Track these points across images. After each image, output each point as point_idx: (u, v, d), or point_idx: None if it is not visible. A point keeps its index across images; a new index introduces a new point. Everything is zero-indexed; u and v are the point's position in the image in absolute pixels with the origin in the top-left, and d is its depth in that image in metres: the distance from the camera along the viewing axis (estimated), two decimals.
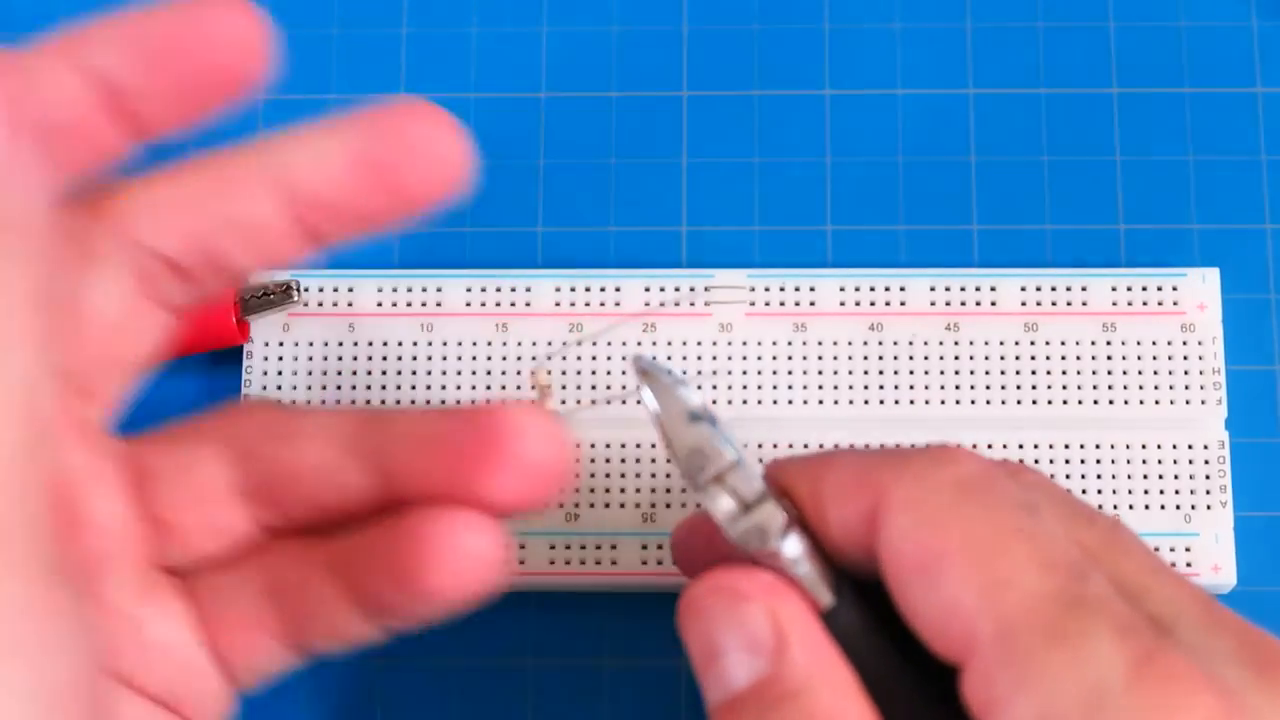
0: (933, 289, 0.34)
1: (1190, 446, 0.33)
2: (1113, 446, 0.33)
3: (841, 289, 0.34)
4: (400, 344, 0.34)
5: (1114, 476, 0.33)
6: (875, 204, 0.36)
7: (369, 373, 0.34)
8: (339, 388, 0.34)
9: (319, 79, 0.37)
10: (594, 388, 0.34)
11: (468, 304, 0.34)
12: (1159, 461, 0.33)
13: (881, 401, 0.33)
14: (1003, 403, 0.33)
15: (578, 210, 0.36)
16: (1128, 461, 0.33)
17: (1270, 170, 0.35)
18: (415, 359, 0.34)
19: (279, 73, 0.37)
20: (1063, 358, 0.33)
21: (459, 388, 0.34)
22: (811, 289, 0.34)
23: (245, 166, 0.24)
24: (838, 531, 0.25)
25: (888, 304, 0.34)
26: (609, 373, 0.34)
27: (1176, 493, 0.33)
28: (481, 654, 0.34)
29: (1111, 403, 0.33)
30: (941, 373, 0.33)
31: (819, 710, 0.24)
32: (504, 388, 0.34)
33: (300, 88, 0.37)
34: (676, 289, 0.34)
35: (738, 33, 0.37)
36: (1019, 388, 0.33)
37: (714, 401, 0.33)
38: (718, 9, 0.37)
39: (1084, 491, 0.33)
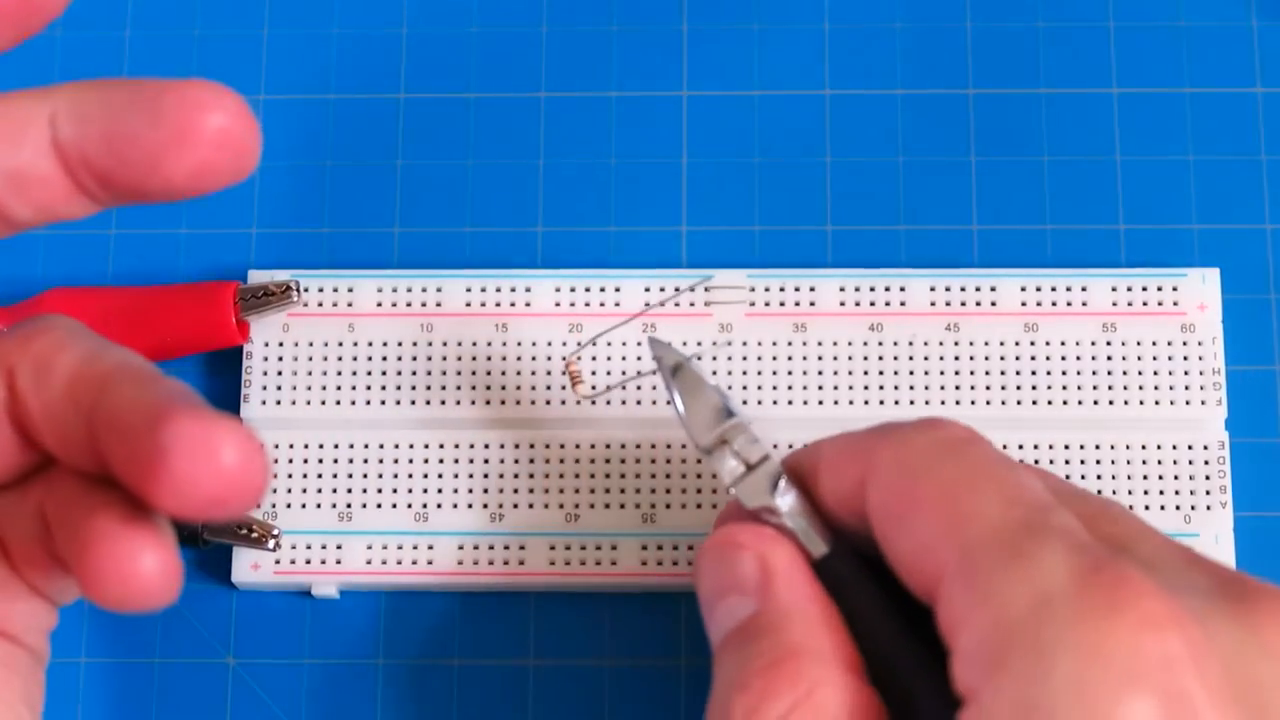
0: (933, 289, 0.34)
1: (1190, 447, 0.33)
2: (1113, 447, 0.33)
3: (841, 289, 0.34)
4: (400, 344, 0.34)
5: (1114, 477, 0.33)
6: (875, 204, 0.35)
7: (369, 373, 0.34)
8: (339, 388, 0.34)
9: (319, 79, 0.37)
10: (593, 386, 0.34)
11: (467, 304, 0.34)
12: (1159, 462, 0.33)
13: (881, 402, 0.33)
14: (1003, 403, 0.33)
15: (578, 210, 0.36)
16: (1128, 462, 0.33)
17: (1270, 170, 0.35)
18: (415, 359, 0.34)
19: (278, 72, 0.37)
20: (1063, 358, 0.33)
21: (459, 388, 0.34)
22: (811, 289, 0.34)
23: (23, 117, 0.23)
24: (833, 499, 0.27)
25: (888, 304, 0.34)
26: (609, 372, 0.34)
27: (1176, 493, 0.33)
28: (482, 654, 0.33)
29: (1112, 403, 0.33)
30: (941, 373, 0.33)
31: (790, 640, 0.25)
32: (504, 388, 0.33)
33: (300, 88, 0.37)
34: (677, 289, 0.34)
35: (736, 32, 0.36)
36: (1019, 388, 0.33)
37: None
38: (715, 9, 0.37)
39: None
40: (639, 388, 0.33)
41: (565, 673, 0.33)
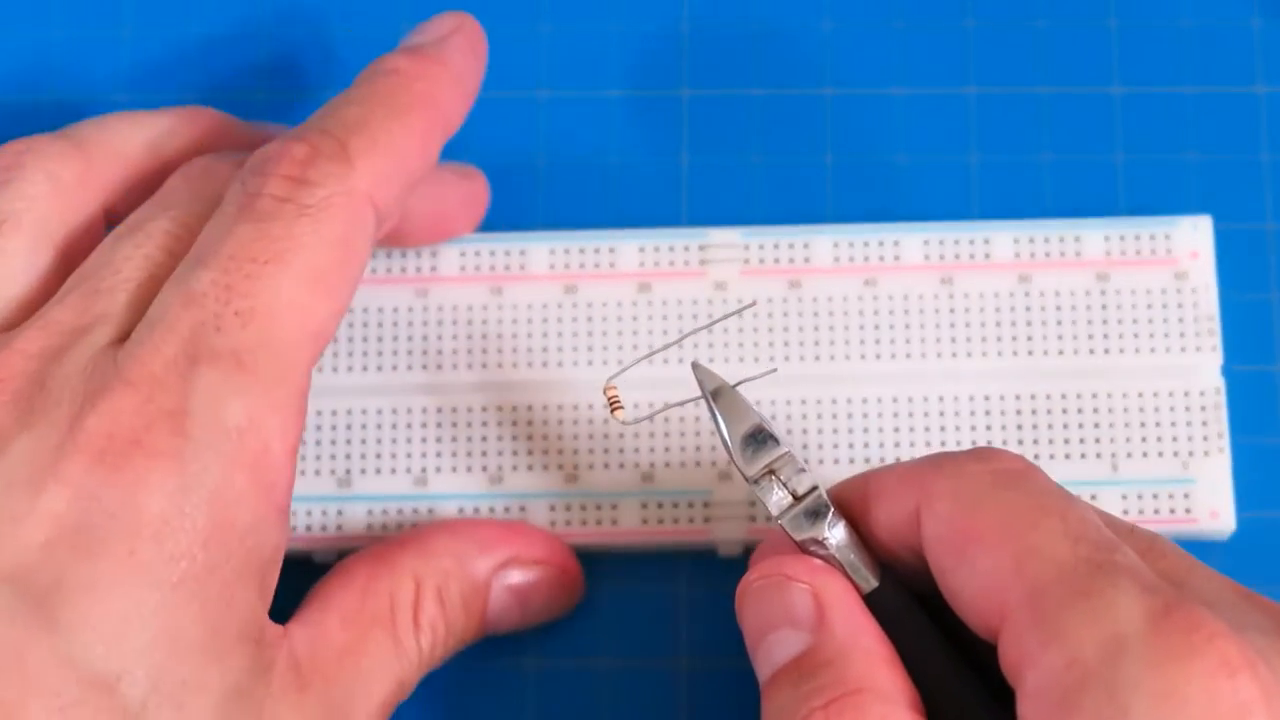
0: (926, 243, 0.34)
1: (1186, 394, 0.33)
2: (1109, 396, 0.33)
3: (835, 245, 0.34)
4: (395, 310, 0.34)
5: (1111, 425, 0.33)
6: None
7: (364, 339, 0.34)
8: (335, 354, 0.34)
9: (324, 78, 0.37)
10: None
11: (462, 268, 0.34)
12: (1155, 409, 0.33)
13: (878, 356, 0.33)
14: (999, 354, 0.33)
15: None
16: (1124, 410, 0.33)
17: (1271, 169, 0.35)
18: (410, 324, 0.34)
19: (287, 74, 0.37)
20: (1057, 309, 0.33)
21: (455, 351, 0.34)
22: (806, 245, 0.34)
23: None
24: (884, 531, 0.26)
25: (881, 259, 0.34)
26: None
27: (1174, 439, 0.33)
28: (481, 655, 0.33)
29: (1107, 352, 0.33)
30: (937, 326, 0.33)
31: (851, 676, 0.25)
32: (500, 350, 0.34)
33: (302, 87, 0.37)
34: (671, 248, 0.34)
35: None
36: (1014, 339, 0.33)
37: (710, 360, 0.33)
38: None
39: (1082, 441, 0.33)
40: (696, 433, 0.33)
41: (566, 673, 0.33)
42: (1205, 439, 0.33)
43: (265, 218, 0.27)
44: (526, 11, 0.37)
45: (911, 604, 0.26)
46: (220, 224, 0.27)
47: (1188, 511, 0.32)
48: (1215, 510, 0.32)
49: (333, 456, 0.33)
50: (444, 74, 0.30)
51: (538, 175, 0.36)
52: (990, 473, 0.25)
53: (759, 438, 0.27)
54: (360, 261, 0.28)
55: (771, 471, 0.27)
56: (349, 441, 0.33)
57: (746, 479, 0.27)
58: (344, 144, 0.28)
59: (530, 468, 0.33)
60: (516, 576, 0.31)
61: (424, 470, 0.33)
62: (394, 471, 0.33)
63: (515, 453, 0.33)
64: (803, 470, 0.27)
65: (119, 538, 0.25)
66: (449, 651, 0.30)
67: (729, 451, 0.27)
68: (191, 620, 0.25)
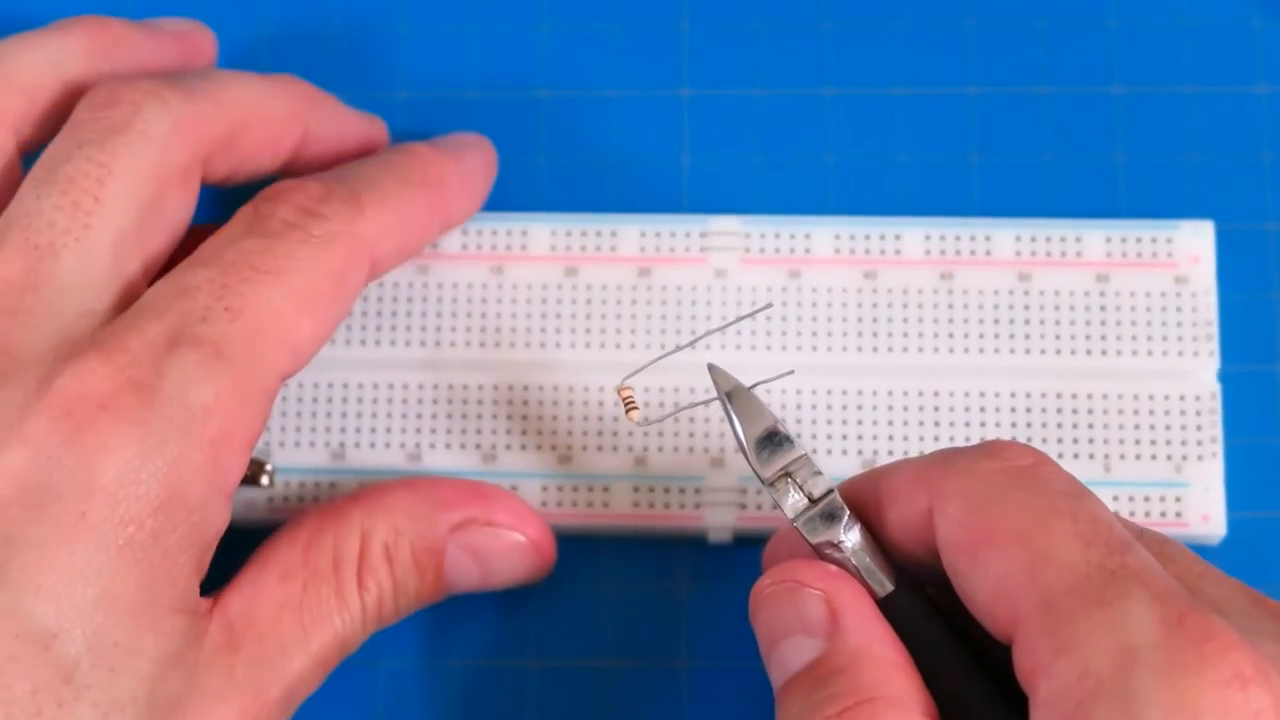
0: (927, 238, 0.34)
1: (1181, 398, 0.33)
2: (1104, 397, 0.33)
3: (837, 237, 0.34)
4: (395, 285, 0.34)
5: (1105, 426, 0.33)
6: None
7: (363, 313, 0.34)
8: None
9: (318, 79, 0.36)
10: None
11: (463, 246, 0.34)
12: (1150, 412, 0.33)
13: (875, 349, 0.33)
14: (995, 351, 0.33)
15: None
16: (1119, 412, 0.33)
17: (1271, 167, 0.35)
18: (410, 300, 0.34)
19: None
20: (1056, 308, 0.33)
21: (454, 329, 0.34)
22: (807, 236, 0.34)
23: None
24: (899, 532, 0.26)
25: (882, 252, 0.34)
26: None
27: (1168, 443, 0.33)
28: (479, 655, 0.33)
29: (1104, 353, 0.33)
30: (935, 321, 0.33)
31: (864, 684, 0.25)
32: (498, 330, 0.34)
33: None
34: (673, 234, 0.34)
35: None
36: (1012, 337, 0.33)
37: (708, 349, 0.33)
38: None
39: (1075, 441, 0.33)
40: (690, 419, 0.33)
41: (566, 673, 0.33)
42: (1199, 443, 0.33)
43: (272, 235, 0.28)
44: (528, 11, 0.37)
45: (927, 608, 0.26)
46: (226, 235, 0.29)
47: (1179, 515, 0.32)
48: (1206, 514, 0.32)
49: (327, 429, 0.33)
50: (456, 167, 0.33)
51: (538, 175, 0.36)
52: (1000, 471, 0.25)
53: (775, 439, 0.27)
54: (349, 297, 0.29)
55: (787, 474, 0.27)
56: (344, 415, 0.33)
57: (762, 481, 0.27)
58: (357, 193, 0.30)
59: (524, 447, 0.33)
60: (476, 538, 0.31)
61: (418, 446, 0.33)
62: (388, 446, 0.33)
63: (509, 432, 0.33)
64: (818, 473, 0.27)
65: (73, 498, 0.26)
66: (400, 611, 0.30)
67: (744, 453, 0.27)
68: (132, 585, 0.26)
